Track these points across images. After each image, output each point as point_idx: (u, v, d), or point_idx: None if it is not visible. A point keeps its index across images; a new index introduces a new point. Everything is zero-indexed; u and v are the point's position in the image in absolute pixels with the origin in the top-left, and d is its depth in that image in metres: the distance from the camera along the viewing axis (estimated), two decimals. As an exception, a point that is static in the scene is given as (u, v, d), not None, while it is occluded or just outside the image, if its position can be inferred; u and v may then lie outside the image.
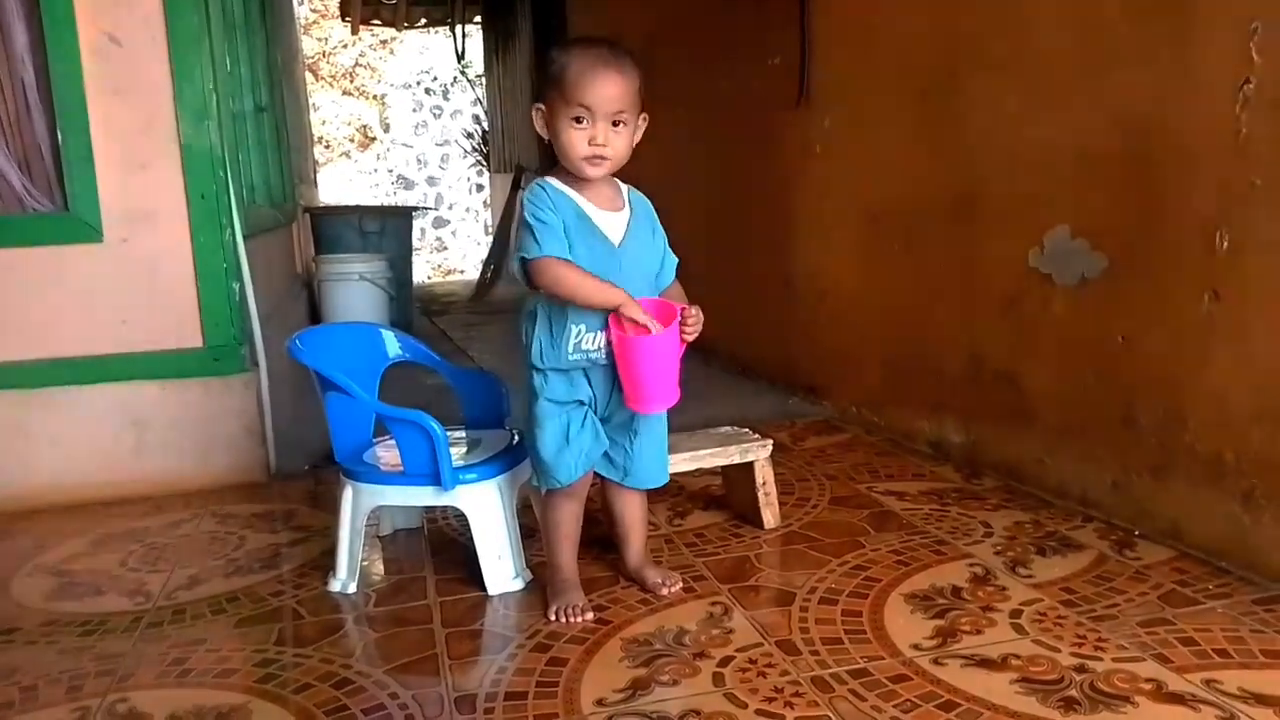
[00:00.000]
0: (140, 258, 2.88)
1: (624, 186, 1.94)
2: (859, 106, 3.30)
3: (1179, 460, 2.17)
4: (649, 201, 1.98)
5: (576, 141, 1.79)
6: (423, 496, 2.06)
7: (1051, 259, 2.48)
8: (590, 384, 1.92)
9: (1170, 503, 2.20)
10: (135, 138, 2.86)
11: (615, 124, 1.79)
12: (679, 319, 1.80)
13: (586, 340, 1.85)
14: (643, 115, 1.85)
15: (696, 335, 1.83)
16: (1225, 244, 2.02)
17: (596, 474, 2.03)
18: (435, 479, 2.00)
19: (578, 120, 1.78)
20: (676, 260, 1.98)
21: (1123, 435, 2.31)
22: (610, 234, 1.86)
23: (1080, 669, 1.67)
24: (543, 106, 1.83)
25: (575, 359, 1.87)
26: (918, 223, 3.02)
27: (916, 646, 1.77)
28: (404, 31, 10.90)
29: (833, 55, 3.42)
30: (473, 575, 2.10)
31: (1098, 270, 2.34)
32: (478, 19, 9.65)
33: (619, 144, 1.81)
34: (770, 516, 2.43)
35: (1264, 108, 1.93)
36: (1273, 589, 1.94)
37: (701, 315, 1.84)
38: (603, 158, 1.80)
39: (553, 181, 1.86)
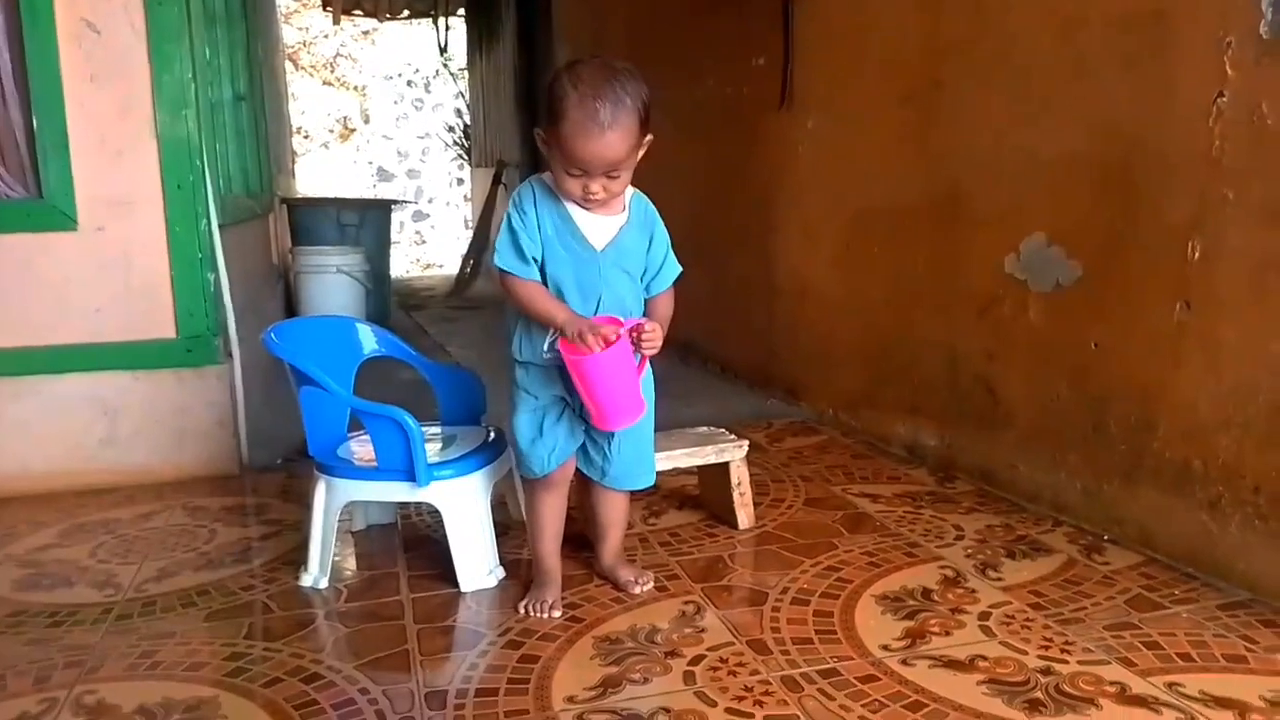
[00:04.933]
0: (114, 247, 2.86)
1: (630, 190, 1.90)
2: (843, 109, 3.31)
3: (1148, 467, 2.19)
4: (653, 208, 1.95)
5: (571, 187, 1.78)
6: (397, 492, 2.05)
7: (1027, 265, 2.50)
8: (565, 381, 1.91)
9: (1139, 509, 2.22)
10: (112, 126, 2.84)
11: (611, 172, 1.76)
12: (626, 336, 1.76)
13: (557, 341, 1.84)
14: (647, 138, 1.80)
15: (656, 350, 1.82)
16: (1197, 254, 2.05)
17: (577, 470, 2.03)
18: (410, 475, 1.99)
19: (571, 171, 1.76)
20: (679, 271, 1.96)
21: (1094, 441, 2.33)
22: (593, 238, 1.85)
23: (1046, 671, 1.69)
24: (542, 134, 1.79)
25: (549, 357, 1.88)
26: (899, 226, 3.04)
27: (886, 647, 1.79)
28: (386, 23, 10.83)
29: (817, 57, 3.43)
30: (446, 571, 2.09)
31: (1072, 278, 2.36)
32: (461, 12, 9.60)
33: (615, 187, 1.79)
34: (745, 517, 2.44)
35: (1237, 121, 1.95)
36: (1237, 595, 1.97)
37: (659, 330, 1.82)
38: (597, 201, 1.79)
39: (543, 182, 1.86)
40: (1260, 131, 1.91)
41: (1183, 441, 2.11)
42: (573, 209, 1.84)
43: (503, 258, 1.83)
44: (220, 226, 3.01)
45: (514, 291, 1.84)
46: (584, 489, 2.11)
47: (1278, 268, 1.89)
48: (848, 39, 3.25)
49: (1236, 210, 1.97)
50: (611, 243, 1.86)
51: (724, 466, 2.42)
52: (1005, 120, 2.56)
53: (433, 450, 2.13)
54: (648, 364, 1.89)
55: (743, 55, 3.85)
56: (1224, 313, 2.01)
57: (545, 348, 1.86)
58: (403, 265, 10.53)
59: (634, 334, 1.80)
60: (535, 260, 1.83)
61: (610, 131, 1.70)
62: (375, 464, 2.05)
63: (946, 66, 2.77)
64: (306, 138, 10.86)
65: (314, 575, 2.11)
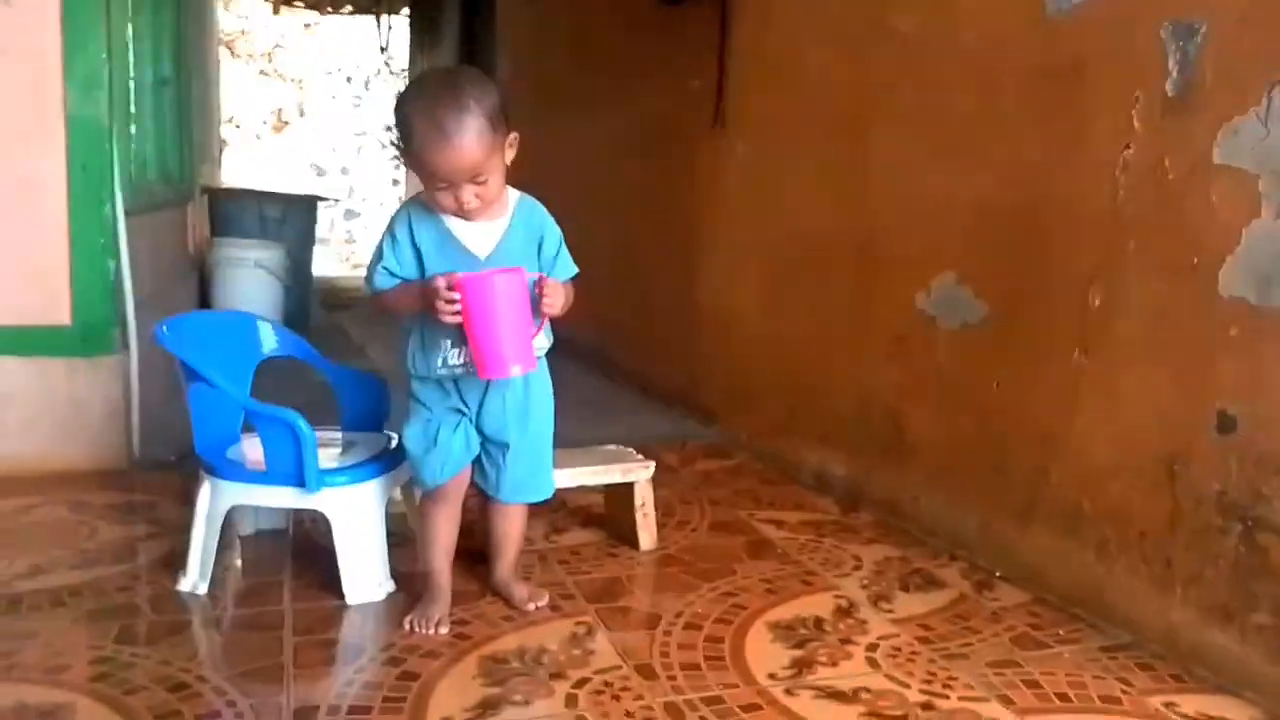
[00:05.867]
0: (11, 227, 2.74)
1: (515, 194, 1.90)
2: (772, 138, 3.33)
3: (1042, 508, 2.23)
4: (541, 209, 1.93)
5: (443, 201, 1.76)
6: (284, 498, 1.99)
7: (937, 303, 2.54)
8: (461, 394, 1.89)
9: (1031, 548, 2.26)
10: (16, 103, 2.73)
11: (477, 179, 1.73)
12: (524, 271, 1.76)
13: (451, 355, 1.83)
14: (511, 137, 1.79)
15: (555, 310, 1.82)
16: (1098, 302, 2.10)
17: (476, 484, 2.00)
18: (300, 480, 1.94)
19: (438, 185, 1.74)
20: (575, 271, 1.94)
21: (992, 479, 2.37)
22: (475, 246, 1.83)
23: (926, 706, 1.70)
24: (404, 156, 1.79)
25: (443, 372, 1.86)
26: (819, 257, 3.06)
27: (772, 676, 1.78)
28: (327, 16, 10.67)
29: (749, 83, 3.45)
30: (334, 582, 2.03)
31: (978, 317, 2.40)
32: (405, 11, 9.51)
33: (488, 192, 1.76)
34: (647, 538, 2.42)
35: (1141, 175, 2.01)
36: (1119, 637, 2.00)
37: (560, 290, 1.82)
38: (473, 209, 1.77)
39: (419, 202, 1.85)
40: (1162, 186, 1.96)
41: (1075, 484, 2.15)
42: (451, 221, 1.82)
43: (368, 280, 1.88)
44: (127, 213, 2.91)
45: (381, 303, 1.87)
46: (483, 504, 2.08)
47: (1172, 320, 1.94)
48: (780, 68, 3.28)
49: (1137, 261, 2.02)
50: (496, 248, 1.84)
51: (629, 486, 2.40)
52: (924, 161, 2.60)
53: (329, 456, 2.07)
54: (545, 334, 1.88)
55: (680, 74, 3.86)
56: (1119, 361, 2.05)
57: (439, 362, 1.84)
58: (331, 264, 10.32)
59: (536, 288, 1.79)
60: (402, 279, 1.85)
61: (458, 137, 1.68)
62: (264, 467, 1.98)
63: (870, 107, 2.80)
64: (238, 127, 10.61)
65: (193, 580, 2.03)
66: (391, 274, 1.85)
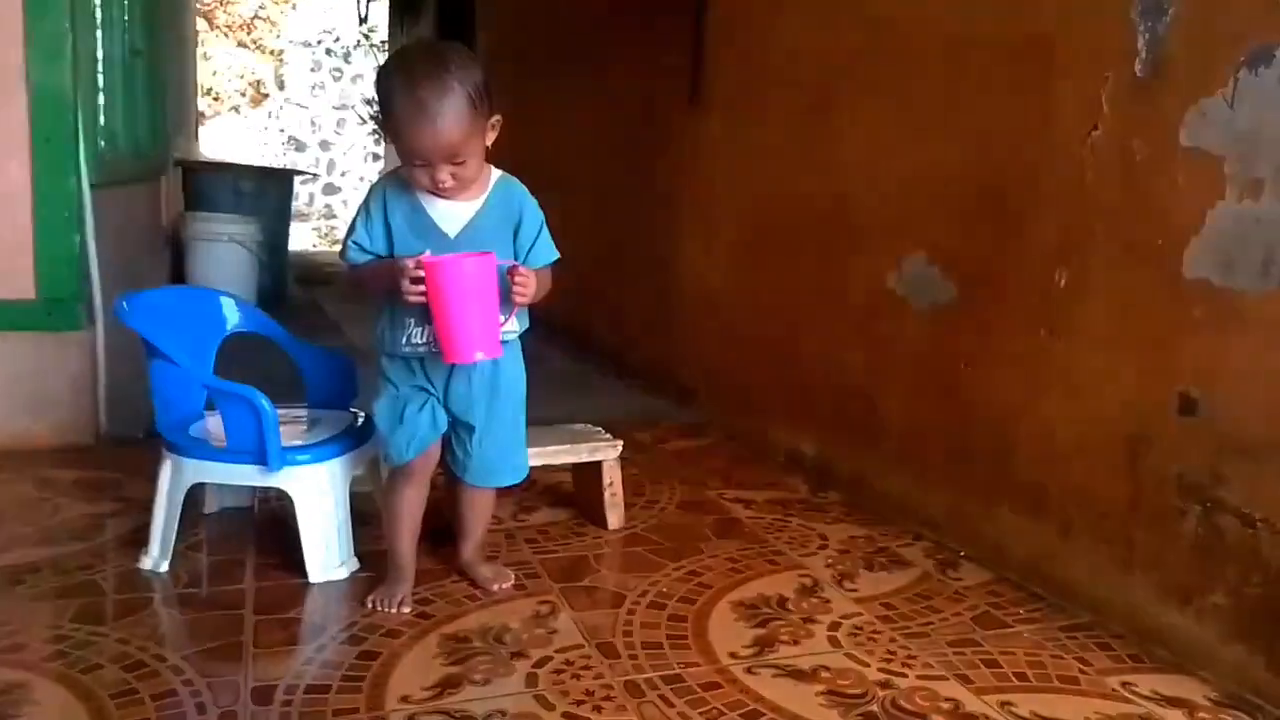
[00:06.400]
0: (-28, 200, 2.70)
1: (495, 174, 1.87)
2: (747, 113, 3.31)
3: (1006, 487, 2.24)
4: (521, 190, 1.89)
5: (419, 179, 1.74)
6: (246, 476, 1.97)
7: (907, 283, 2.54)
8: (427, 374, 1.88)
9: (995, 527, 2.27)
10: (-24, 72, 2.68)
11: (455, 159, 1.71)
12: (494, 256, 1.72)
13: (415, 334, 1.82)
14: (494, 119, 1.76)
15: (526, 300, 1.78)
16: (1063, 283, 2.10)
17: (443, 463, 1.99)
18: (262, 458, 1.92)
19: (414, 162, 1.72)
20: (555, 256, 1.90)
21: (959, 459, 2.38)
22: (447, 225, 1.81)
23: (885, 684, 1.71)
24: (383, 128, 1.78)
25: (407, 351, 1.84)
26: (793, 235, 3.06)
27: (734, 655, 1.79)
28: (308, -12, 10.54)
29: (725, 59, 3.43)
30: (297, 561, 2.02)
31: (947, 298, 2.40)
32: (386, -16, 9.40)
33: (465, 173, 1.74)
34: (615, 518, 2.42)
35: (1109, 155, 2.00)
36: (1080, 617, 2.02)
37: (533, 280, 1.77)
38: (448, 189, 1.75)
39: (397, 176, 1.83)
40: (1130, 168, 1.96)
41: (1039, 464, 2.16)
42: (425, 197, 1.80)
43: (342, 254, 1.88)
44: (94, 186, 2.87)
45: (354, 279, 1.88)
46: (451, 483, 2.07)
47: (1137, 302, 1.95)
48: (755, 44, 3.25)
49: (1103, 244, 2.02)
50: (466, 228, 1.82)
51: (597, 465, 2.40)
52: (893, 138, 2.59)
53: (293, 433, 2.06)
54: (519, 318, 1.87)
55: (657, 51, 3.83)
56: (1084, 343, 2.06)
57: (404, 340, 1.83)
58: (310, 240, 10.25)
59: (508, 275, 1.76)
60: (373, 255, 1.84)
61: (440, 119, 1.65)
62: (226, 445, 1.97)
63: (844, 81, 2.79)
64: (216, 99, 10.50)
65: (154, 558, 2.02)
66: (362, 249, 1.84)
